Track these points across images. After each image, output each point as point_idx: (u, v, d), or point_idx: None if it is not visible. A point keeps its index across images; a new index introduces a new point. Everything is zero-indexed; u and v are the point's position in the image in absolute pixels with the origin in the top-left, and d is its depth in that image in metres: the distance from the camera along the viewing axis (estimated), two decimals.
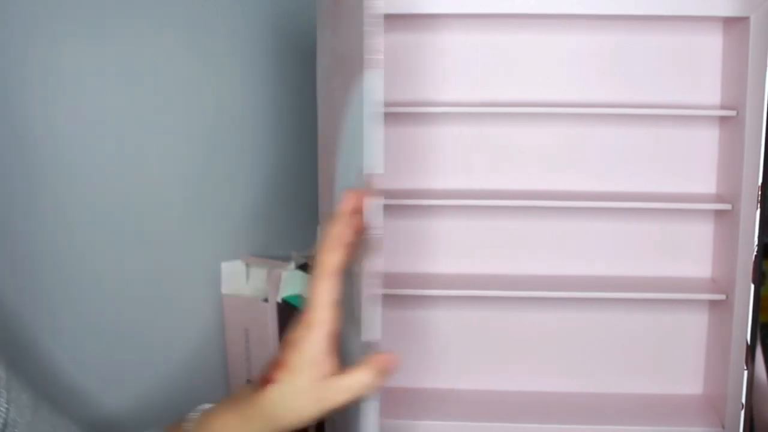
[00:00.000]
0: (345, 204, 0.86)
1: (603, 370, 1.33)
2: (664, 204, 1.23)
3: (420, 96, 1.29)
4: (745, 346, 1.14)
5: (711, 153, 1.27)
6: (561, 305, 1.31)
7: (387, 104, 1.28)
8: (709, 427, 1.21)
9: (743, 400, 1.11)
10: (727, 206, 1.19)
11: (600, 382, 1.33)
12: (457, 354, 1.35)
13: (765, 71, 1.10)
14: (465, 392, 1.34)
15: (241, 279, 1.40)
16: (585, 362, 1.33)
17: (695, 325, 1.30)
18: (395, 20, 1.27)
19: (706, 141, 1.27)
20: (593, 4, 1.18)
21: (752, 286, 1.11)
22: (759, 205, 1.03)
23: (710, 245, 1.28)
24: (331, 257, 0.84)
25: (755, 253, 1.07)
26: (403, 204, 1.27)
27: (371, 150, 0.86)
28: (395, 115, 1.28)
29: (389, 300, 1.34)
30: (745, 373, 1.09)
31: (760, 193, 1.02)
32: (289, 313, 1.33)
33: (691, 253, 1.29)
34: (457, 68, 1.29)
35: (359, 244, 0.86)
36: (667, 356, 1.31)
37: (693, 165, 1.28)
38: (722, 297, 1.20)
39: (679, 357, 1.31)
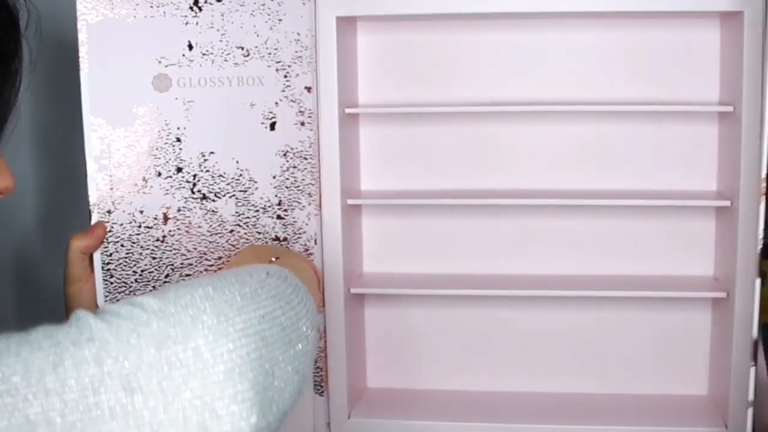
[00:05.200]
0: None
1: (604, 369, 1.31)
2: (663, 201, 1.22)
3: (409, 96, 1.30)
4: (749, 343, 1.11)
5: (712, 149, 1.25)
6: (560, 304, 1.30)
7: (382, 105, 1.31)
8: (713, 427, 1.19)
9: (750, 398, 1.09)
10: (726, 203, 1.17)
11: (601, 381, 1.31)
12: (451, 354, 1.35)
13: (760, 66, 1.09)
14: (456, 393, 1.33)
15: None
16: (586, 362, 1.32)
17: (698, 324, 1.28)
18: (398, 20, 1.28)
19: (707, 137, 1.25)
20: (590, 2, 1.18)
21: (758, 281, 1.09)
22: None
23: (712, 242, 1.26)
24: None
25: (759, 247, 1.04)
26: (392, 204, 1.28)
27: None
28: (391, 116, 1.29)
29: (379, 300, 1.35)
30: (752, 369, 1.06)
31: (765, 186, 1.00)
32: None
33: (693, 250, 1.27)
34: (451, 69, 1.29)
35: None
36: (671, 356, 1.30)
37: (694, 162, 1.26)
38: (723, 295, 1.18)
39: (683, 356, 1.29)
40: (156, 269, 1.14)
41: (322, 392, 1.28)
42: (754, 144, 1.10)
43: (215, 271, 1.17)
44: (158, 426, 0.53)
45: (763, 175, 1.08)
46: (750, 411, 1.11)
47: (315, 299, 0.98)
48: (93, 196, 1.12)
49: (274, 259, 0.96)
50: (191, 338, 0.55)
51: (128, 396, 0.52)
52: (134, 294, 1.13)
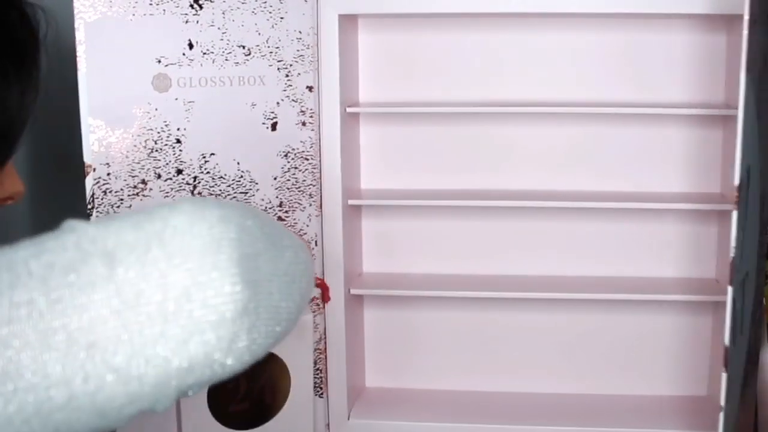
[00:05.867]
0: None
1: (604, 371, 1.31)
2: (665, 204, 1.21)
3: (409, 95, 1.28)
4: (723, 349, 1.11)
5: (716, 153, 1.25)
6: (561, 306, 1.30)
7: (383, 104, 1.29)
8: (710, 429, 1.20)
9: (722, 402, 1.09)
10: (728, 206, 1.17)
11: (602, 383, 1.31)
12: (450, 355, 1.34)
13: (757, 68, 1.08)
14: (455, 394, 1.33)
15: None
16: (587, 364, 1.32)
17: (700, 327, 1.28)
18: (399, 19, 1.26)
19: (712, 141, 1.25)
20: (595, 2, 1.16)
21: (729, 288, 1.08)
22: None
23: (714, 246, 1.26)
24: None
25: (732, 255, 1.04)
26: (392, 205, 1.27)
27: None
28: (391, 116, 1.27)
29: (378, 300, 1.34)
30: (723, 375, 1.07)
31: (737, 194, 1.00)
32: None
33: (695, 254, 1.27)
34: (452, 68, 1.28)
35: None
36: (671, 358, 1.30)
37: (697, 165, 1.26)
38: (724, 299, 1.18)
39: (683, 358, 1.30)
40: None
41: (322, 393, 1.27)
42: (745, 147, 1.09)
43: None
44: (140, 294, 0.54)
45: (736, 183, 1.07)
46: (721, 415, 1.10)
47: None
48: (91, 200, 1.10)
49: None
50: (168, 221, 0.57)
51: (109, 270, 0.54)
52: None
